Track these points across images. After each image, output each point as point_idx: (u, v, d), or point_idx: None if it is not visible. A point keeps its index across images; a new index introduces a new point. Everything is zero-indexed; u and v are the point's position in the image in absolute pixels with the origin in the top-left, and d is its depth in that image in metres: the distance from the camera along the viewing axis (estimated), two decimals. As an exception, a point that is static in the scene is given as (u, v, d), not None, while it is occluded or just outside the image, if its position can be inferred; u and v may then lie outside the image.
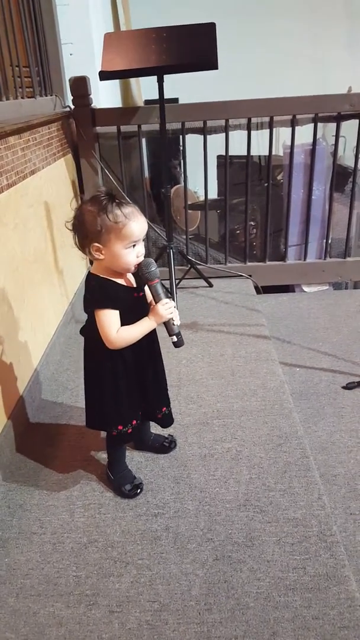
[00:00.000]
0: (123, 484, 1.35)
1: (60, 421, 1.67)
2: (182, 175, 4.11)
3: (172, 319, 1.20)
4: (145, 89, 3.92)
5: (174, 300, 2.31)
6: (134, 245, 1.12)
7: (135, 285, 1.21)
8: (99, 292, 1.15)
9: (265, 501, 1.31)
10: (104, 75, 2.13)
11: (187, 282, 2.68)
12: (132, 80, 3.94)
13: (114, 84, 3.87)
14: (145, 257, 1.16)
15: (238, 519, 1.26)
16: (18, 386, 1.62)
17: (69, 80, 2.41)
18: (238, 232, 3.11)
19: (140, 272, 1.16)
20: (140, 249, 1.14)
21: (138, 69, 2.13)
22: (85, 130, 2.48)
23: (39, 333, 1.84)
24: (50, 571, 1.15)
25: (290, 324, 2.47)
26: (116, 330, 1.15)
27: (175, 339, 1.21)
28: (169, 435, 1.52)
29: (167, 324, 1.20)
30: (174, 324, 1.21)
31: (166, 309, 1.17)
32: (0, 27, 1.83)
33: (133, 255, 1.13)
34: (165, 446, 1.49)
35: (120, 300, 1.16)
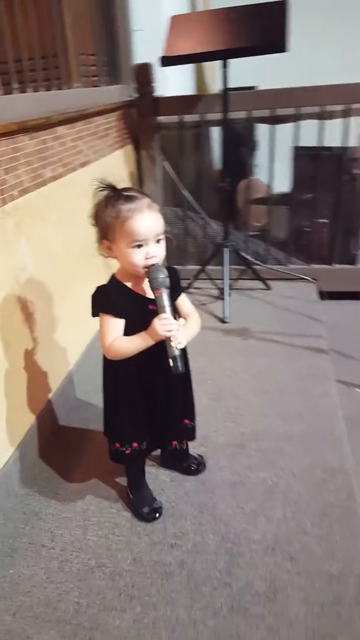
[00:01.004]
0: (141, 506, 1.26)
1: (90, 425, 1.61)
2: (257, 167, 3.93)
3: (169, 338, 1.03)
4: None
5: (225, 300, 2.18)
6: (140, 245, 1.02)
7: (152, 295, 1.09)
8: (103, 295, 1.08)
9: (298, 547, 1.15)
10: (166, 61, 2.02)
11: (244, 283, 2.53)
12: (207, 68, 3.80)
13: (188, 72, 3.75)
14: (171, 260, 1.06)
15: (263, 564, 1.12)
16: (50, 385, 1.58)
17: (132, 67, 2.33)
18: (308, 229, 2.88)
19: (148, 278, 1.04)
20: (152, 250, 1.02)
21: (201, 54, 1.99)
22: (147, 119, 2.40)
23: (79, 332, 1.80)
24: (52, 593, 1.08)
25: (355, 337, 2.24)
26: (112, 339, 1.07)
27: (171, 362, 1.04)
28: (198, 455, 1.41)
29: (166, 344, 1.04)
30: (172, 345, 1.03)
31: (163, 324, 1.02)
32: (68, 13, 1.79)
33: (139, 256, 1.02)
34: (192, 468, 1.37)
35: (127, 309, 1.07)
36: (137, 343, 1.06)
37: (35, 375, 1.49)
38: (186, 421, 1.28)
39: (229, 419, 1.59)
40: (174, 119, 2.42)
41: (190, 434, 1.30)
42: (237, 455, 1.44)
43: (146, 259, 1.02)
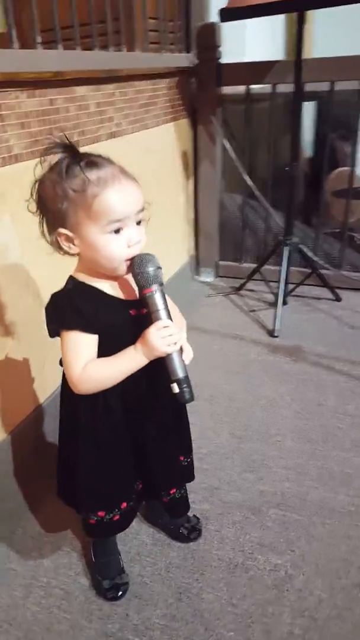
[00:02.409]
0: (102, 576, 0.98)
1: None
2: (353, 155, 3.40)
3: (171, 354, 0.75)
4: (331, 42, 3.22)
5: (277, 308, 1.80)
6: (118, 230, 0.73)
7: (132, 297, 0.80)
8: (65, 303, 0.77)
9: None
10: (227, 15, 1.70)
11: (308, 290, 2.13)
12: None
13: (277, 34, 3.31)
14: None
15: None
16: (38, 393, 1.35)
17: (194, 28, 2.03)
18: None
19: (132, 273, 0.75)
20: (134, 234, 0.74)
21: (270, 4, 1.63)
22: (207, 90, 2.08)
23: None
24: None
25: None
26: (83, 365, 0.76)
27: (176, 388, 0.76)
28: (194, 516, 1.09)
29: (167, 362, 0.76)
30: (175, 363, 0.75)
31: (162, 335, 0.74)
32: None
33: (119, 244, 0.73)
34: (184, 532, 1.06)
35: (101, 320, 0.77)
36: (124, 366, 0.77)
37: (15, 381, 1.26)
38: (181, 457, 0.98)
39: (250, 468, 1.25)
40: (241, 89, 2.09)
41: (188, 473, 1.01)
42: (249, 524, 1.10)
43: (129, 246, 0.74)
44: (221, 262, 2.36)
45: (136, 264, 0.74)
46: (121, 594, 0.95)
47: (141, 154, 1.78)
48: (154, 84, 1.83)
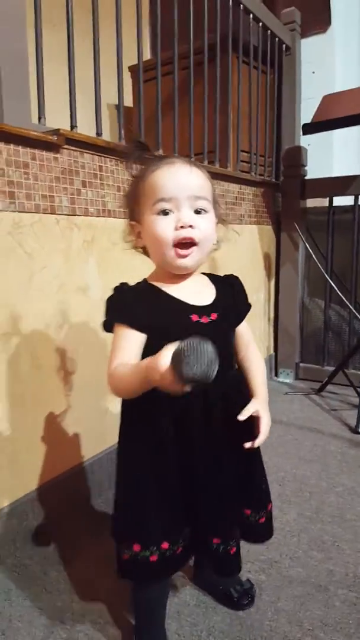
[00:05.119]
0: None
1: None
2: None
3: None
4: None
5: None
6: (167, 212, 0.74)
7: (202, 303, 0.79)
8: (118, 297, 0.77)
9: None
10: (309, 129, 1.99)
11: None
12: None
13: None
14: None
15: None
16: (84, 448, 1.35)
17: (283, 151, 2.37)
18: None
19: (172, 363, 0.61)
20: (186, 216, 0.73)
21: (352, 116, 1.91)
22: (292, 203, 2.34)
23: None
24: None
25: None
26: (118, 362, 0.74)
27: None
28: (247, 580, 0.98)
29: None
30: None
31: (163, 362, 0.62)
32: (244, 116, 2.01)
33: (166, 224, 0.73)
34: (233, 596, 0.94)
35: (154, 318, 0.75)
36: (136, 377, 0.69)
37: (67, 426, 1.30)
38: (247, 511, 0.85)
39: (319, 547, 1.12)
40: (324, 202, 2.32)
41: (259, 531, 0.86)
42: (311, 602, 0.95)
43: (176, 229, 0.73)
44: (302, 364, 2.35)
45: (178, 354, 0.59)
46: None
47: (224, 244, 1.98)
48: (241, 188, 2.11)
